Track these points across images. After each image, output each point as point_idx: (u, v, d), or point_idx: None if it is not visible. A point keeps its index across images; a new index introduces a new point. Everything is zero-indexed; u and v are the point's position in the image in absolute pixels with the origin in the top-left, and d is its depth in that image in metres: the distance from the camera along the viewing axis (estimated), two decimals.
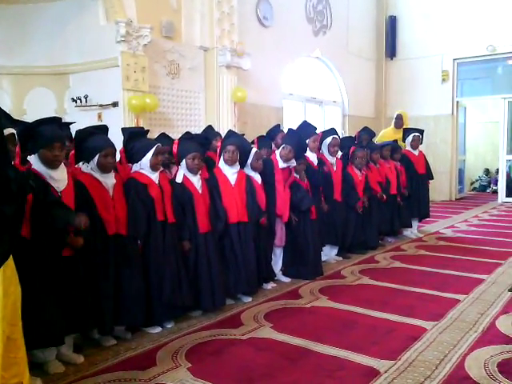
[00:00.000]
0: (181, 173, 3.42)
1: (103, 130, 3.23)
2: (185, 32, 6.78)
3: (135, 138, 3.30)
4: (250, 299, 3.73)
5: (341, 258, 5.11)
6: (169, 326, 3.21)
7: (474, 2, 10.10)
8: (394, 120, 7.16)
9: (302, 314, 3.45)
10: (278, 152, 4.23)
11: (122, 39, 5.72)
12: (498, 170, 11.77)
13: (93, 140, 2.91)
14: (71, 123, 3.52)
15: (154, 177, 3.20)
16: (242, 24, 7.42)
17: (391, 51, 11.16)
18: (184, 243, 3.32)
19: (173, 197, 3.28)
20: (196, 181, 3.45)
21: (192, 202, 3.38)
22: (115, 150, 2.97)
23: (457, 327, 3.18)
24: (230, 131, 4.18)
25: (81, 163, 2.98)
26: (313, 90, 9.73)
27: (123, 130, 3.80)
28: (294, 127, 4.91)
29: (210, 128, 4.97)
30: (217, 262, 3.46)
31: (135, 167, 3.22)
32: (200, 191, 3.46)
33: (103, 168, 2.90)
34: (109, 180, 2.94)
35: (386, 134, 7.13)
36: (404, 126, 6.87)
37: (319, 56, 9.58)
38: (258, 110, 8.02)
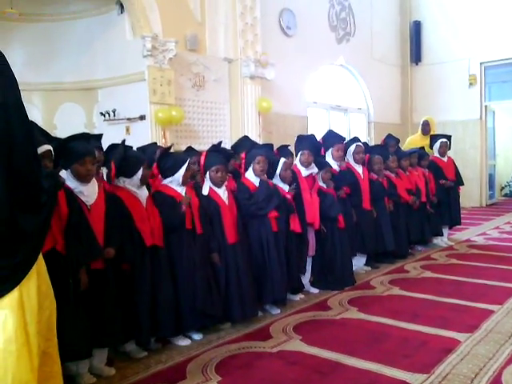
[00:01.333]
0: (206, 185, 3.46)
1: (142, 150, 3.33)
2: (209, 44, 6.86)
3: (167, 155, 3.37)
4: (278, 311, 3.71)
5: (369, 268, 5.04)
6: (197, 338, 3.22)
7: (499, 4, 9.91)
8: (420, 126, 7.06)
9: (331, 326, 3.41)
10: (297, 160, 4.21)
11: (149, 54, 5.83)
12: None
13: (132, 156, 3.01)
14: (101, 135, 3.60)
15: (181, 189, 3.25)
16: (265, 34, 7.47)
17: (416, 56, 11.04)
18: (213, 255, 3.34)
19: (200, 209, 3.31)
20: (222, 192, 3.46)
21: (219, 214, 3.40)
22: (148, 163, 3.05)
23: (492, 339, 3.09)
24: (249, 141, 4.22)
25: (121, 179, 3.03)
26: (337, 97, 9.69)
27: (140, 148, 3.88)
28: (320, 136, 4.92)
29: (246, 138, 4.90)
30: (246, 273, 3.46)
31: (166, 181, 3.27)
32: (227, 202, 3.47)
33: (142, 181, 2.99)
34: (143, 193, 3.03)
35: (412, 141, 7.03)
36: (431, 132, 6.76)
37: (343, 63, 9.55)
38: (283, 120, 8.03)
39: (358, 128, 10.22)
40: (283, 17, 8.14)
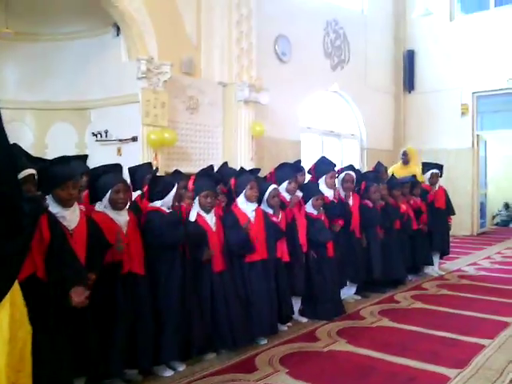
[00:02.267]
0: (194, 211, 3.40)
1: (117, 168, 3.25)
2: (204, 68, 6.91)
3: (158, 178, 3.34)
4: (265, 341, 3.62)
5: (359, 297, 4.97)
6: (180, 368, 3.12)
7: (491, 36, 10.11)
8: (400, 156, 7.09)
9: (318, 359, 3.33)
10: (283, 188, 4.16)
11: (143, 76, 5.85)
12: None
13: (104, 178, 2.93)
14: (86, 156, 3.55)
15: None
16: (260, 59, 7.54)
17: (409, 85, 11.18)
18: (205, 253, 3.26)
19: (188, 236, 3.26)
20: (209, 218, 3.41)
21: (206, 240, 3.34)
22: (128, 186, 2.98)
23: (483, 376, 3.02)
24: (230, 168, 4.21)
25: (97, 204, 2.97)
26: (331, 123, 9.75)
27: (131, 169, 3.83)
28: (312, 162, 4.92)
29: (225, 165, 4.90)
30: (235, 301, 3.39)
31: (156, 204, 3.22)
32: (214, 229, 3.42)
33: (114, 204, 2.90)
34: (121, 217, 2.93)
35: (394, 170, 7.01)
36: (412, 161, 6.82)
37: (337, 90, 9.64)
38: (276, 144, 8.04)
39: (351, 154, 10.26)
40: (278, 43, 8.23)
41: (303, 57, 8.69)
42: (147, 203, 3.20)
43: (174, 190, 3.17)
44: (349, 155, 10.10)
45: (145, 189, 3.29)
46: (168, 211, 3.15)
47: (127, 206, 2.98)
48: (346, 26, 9.79)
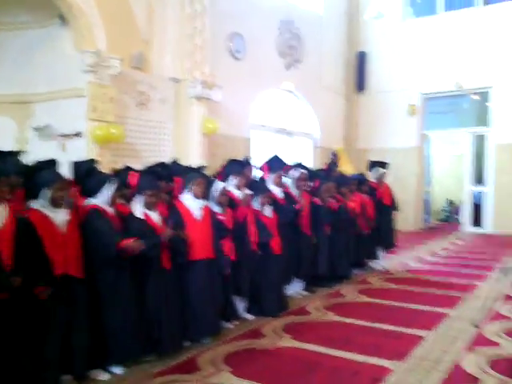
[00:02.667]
0: (138, 207, 3.33)
1: (52, 163, 3.12)
2: (156, 63, 6.80)
3: (91, 173, 3.22)
4: (208, 340, 3.56)
5: (306, 293, 5.04)
6: (118, 371, 3.01)
7: (440, 40, 10.50)
8: (331, 157, 7.20)
9: (264, 357, 3.34)
10: (231, 184, 4.16)
11: (90, 69, 5.69)
12: (460, 200, 12.07)
13: (41, 175, 2.81)
14: (18, 152, 3.38)
15: (110, 210, 3.13)
16: (214, 56, 7.50)
17: (361, 85, 11.44)
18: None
19: (130, 231, 3.19)
20: (155, 216, 3.36)
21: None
22: (69, 183, 2.87)
23: (421, 367, 3.13)
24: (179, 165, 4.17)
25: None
26: (284, 121, 9.83)
27: (75, 163, 3.69)
28: (264, 160, 4.94)
29: (174, 162, 4.82)
30: (177, 300, 3.35)
31: (91, 201, 3.13)
32: (160, 226, 3.37)
33: (54, 203, 2.78)
34: (59, 215, 2.81)
35: None
36: (342, 161, 6.98)
37: (291, 89, 9.73)
38: (229, 141, 8.03)
39: (304, 152, 10.39)
40: (233, 40, 8.22)
41: (257, 55, 8.72)
42: (82, 199, 3.10)
43: (114, 187, 3.08)
44: (301, 153, 10.23)
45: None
46: (110, 211, 3.07)
47: (69, 204, 2.87)
48: (300, 26, 9.89)
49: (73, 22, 5.81)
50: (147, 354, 3.21)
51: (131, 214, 3.31)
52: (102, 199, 3.10)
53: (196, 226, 3.55)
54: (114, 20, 6.07)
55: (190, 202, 3.62)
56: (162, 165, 4.33)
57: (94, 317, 2.91)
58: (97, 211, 3.03)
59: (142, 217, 3.30)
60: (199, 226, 3.57)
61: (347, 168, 6.37)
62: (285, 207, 4.64)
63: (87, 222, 2.98)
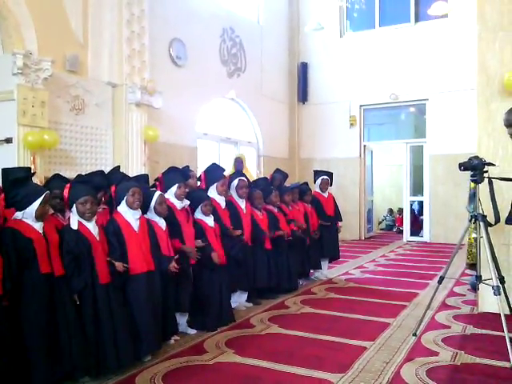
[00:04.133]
0: (74, 219, 3.11)
1: None
2: (91, 67, 6.50)
3: (19, 184, 2.96)
4: (149, 357, 3.40)
5: (251, 304, 4.94)
6: None
7: (377, 53, 10.84)
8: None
9: (204, 373, 3.19)
10: (171, 194, 4.01)
11: (19, 72, 5.33)
12: (400, 209, 12.46)
13: None
14: None
15: (38, 226, 2.90)
16: (153, 62, 7.30)
17: (303, 95, 11.58)
18: (75, 297, 2.98)
19: (64, 246, 2.97)
20: (92, 227, 3.14)
21: (90, 250, 3.07)
22: None
23: (363, 379, 3.09)
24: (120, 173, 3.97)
25: None
26: (228, 130, 9.75)
27: (4, 170, 3.39)
28: (203, 168, 4.83)
29: (116, 170, 4.59)
30: (121, 316, 3.14)
31: (18, 215, 2.89)
32: (98, 238, 3.15)
33: None
34: None
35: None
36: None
37: (234, 97, 9.67)
38: (171, 150, 7.83)
39: (249, 161, 10.32)
40: (173, 46, 8.05)
41: (199, 62, 8.59)
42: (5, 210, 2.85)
43: (39, 200, 2.85)
44: (246, 162, 10.15)
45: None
46: (29, 226, 2.83)
47: None
48: (242, 35, 9.88)
49: (0, 21, 5.43)
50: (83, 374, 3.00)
51: (66, 226, 3.10)
52: (31, 214, 2.88)
53: (135, 238, 3.38)
54: (45, 20, 5.74)
55: (126, 213, 3.44)
56: (100, 173, 4.11)
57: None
58: (11, 231, 2.80)
59: (76, 227, 3.09)
60: (138, 238, 3.40)
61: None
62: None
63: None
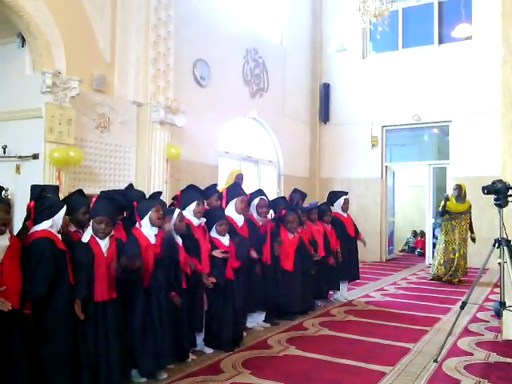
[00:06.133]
0: (88, 233, 3.17)
1: None
2: (117, 86, 6.65)
3: (47, 195, 3.06)
4: (165, 375, 3.40)
5: (268, 325, 4.90)
6: None
7: (399, 75, 10.84)
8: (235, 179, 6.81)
9: None
10: (190, 211, 4.04)
11: (48, 90, 5.48)
12: (422, 232, 12.26)
13: None
14: None
15: (60, 238, 2.97)
16: (178, 82, 7.43)
17: (325, 116, 11.61)
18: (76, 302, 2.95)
19: (73, 257, 3.03)
20: (103, 244, 3.17)
21: (92, 264, 3.07)
22: (8, 206, 2.69)
23: None
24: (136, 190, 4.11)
25: None
26: (249, 149, 9.81)
27: (34, 186, 3.50)
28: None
29: (131, 187, 4.63)
30: (116, 336, 3.11)
31: (46, 224, 2.95)
32: (105, 254, 3.17)
33: None
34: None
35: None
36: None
37: (255, 117, 9.76)
38: (193, 168, 7.91)
39: (269, 180, 10.38)
40: (197, 67, 8.19)
41: (222, 82, 8.72)
42: (32, 225, 2.92)
43: (63, 211, 2.92)
44: (266, 181, 10.20)
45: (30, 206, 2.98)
46: (56, 236, 2.89)
47: (7, 230, 2.68)
48: (265, 56, 10.01)
49: (31, 41, 5.63)
50: None
51: (77, 241, 3.15)
52: (52, 224, 2.95)
53: (152, 252, 3.41)
54: (74, 41, 5.92)
55: (147, 229, 3.51)
56: (120, 191, 4.18)
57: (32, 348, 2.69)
58: (47, 240, 2.84)
59: (87, 241, 3.14)
60: (155, 252, 3.43)
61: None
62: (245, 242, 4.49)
63: (33, 251, 2.79)
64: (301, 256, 5.21)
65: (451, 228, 7.77)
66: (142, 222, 3.53)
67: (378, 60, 11.30)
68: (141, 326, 3.28)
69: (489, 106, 9.39)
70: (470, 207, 7.87)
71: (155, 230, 3.51)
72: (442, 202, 7.81)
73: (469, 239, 7.82)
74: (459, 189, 7.78)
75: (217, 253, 4.02)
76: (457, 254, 7.73)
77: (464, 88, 10.03)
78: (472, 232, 7.85)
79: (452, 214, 7.74)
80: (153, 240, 3.48)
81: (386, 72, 11.02)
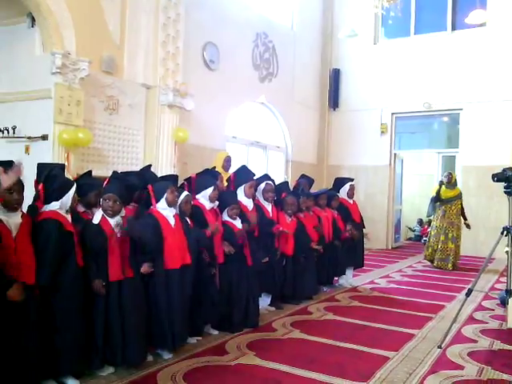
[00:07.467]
0: (99, 213, 3.20)
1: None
2: (127, 68, 6.63)
3: (53, 177, 3.06)
4: (170, 356, 3.44)
5: (273, 308, 4.94)
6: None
7: (411, 61, 10.70)
8: (225, 163, 6.64)
9: (224, 374, 3.21)
10: (205, 195, 4.07)
11: (58, 71, 5.48)
12: (429, 220, 12.21)
13: None
14: None
15: (69, 218, 2.98)
16: (187, 65, 7.40)
17: (334, 102, 11.52)
18: (95, 283, 3.01)
19: (85, 239, 3.05)
20: (114, 223, 3.20)
21: (105, 246, 3.10)
22: (22, 185, 2.71)
23: None
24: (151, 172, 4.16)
25: None
26: (257, 134, 9.78)
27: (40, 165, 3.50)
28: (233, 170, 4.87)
29: (148, 168, 4.64)
30: (132, 313, 3.15)
31: (54, 205, 2.96)
32: (118, 234, 3.21)
33: (8, 206, 2.63)
34: (13, 219, 2.65)
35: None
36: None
37: (264, 102, 9.71)
38: (200, 152, 7.90)
39: (277, 165, 10.36)
40: (207, 50, 8.14)
41: (232, 66, 8.66)
42: (41, 205, 2.94)
43: (71, 191, 2.94)
44: (274, 166, 10.19)
45: (39, 187, 2.99)
46: (65, 218, 2.92)
47: (21, 207, 2.72)
48: (275, 40, 9.91)
49: (41, 21, 5.61)
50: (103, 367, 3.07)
51: (87, 221, 3.17)
52: (61, 206, 2.96)
53: (172, 233, 3.49)
54: (84, 22, 5.89)
55: (165, 211, 3.56)
56: (135, 173, 4.20)
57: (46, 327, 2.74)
58: (54, 221, 2.86)
59: (97, 222, 3.16)
60: (175, 233, 3.51)
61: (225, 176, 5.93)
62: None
63: (43, 232, 2.82)
64: (296, 241, 5.20)
65: (441, 213, 8.04)
66: (159, 204, 3.56)
67: (389, 46, 11.16)
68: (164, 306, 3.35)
69: (501, 94, 9.25)
70: (461, 194, 8.12)
71: (173, 211, 3.59)
72: (437, 187, 8.06)
73: (458, 224, 8.05)
74: (449, 176, 8.04)
75: (226, 246, 4.06)
76: (441, 237, 7.95)
77: (476, 76, 9.88)
78: (465, 219, 8.13)
79: (442, 200, 8.03)
80: (172, 220, 3.53)
81: (397, 58, 10.89)
